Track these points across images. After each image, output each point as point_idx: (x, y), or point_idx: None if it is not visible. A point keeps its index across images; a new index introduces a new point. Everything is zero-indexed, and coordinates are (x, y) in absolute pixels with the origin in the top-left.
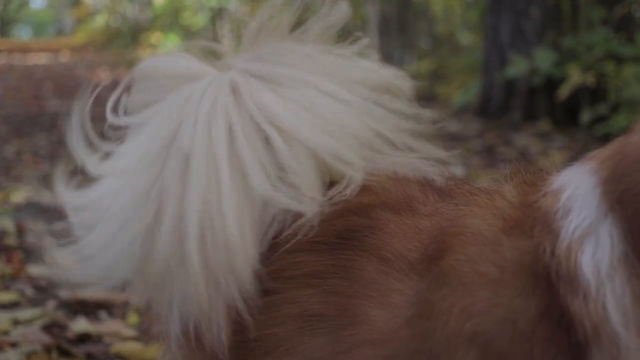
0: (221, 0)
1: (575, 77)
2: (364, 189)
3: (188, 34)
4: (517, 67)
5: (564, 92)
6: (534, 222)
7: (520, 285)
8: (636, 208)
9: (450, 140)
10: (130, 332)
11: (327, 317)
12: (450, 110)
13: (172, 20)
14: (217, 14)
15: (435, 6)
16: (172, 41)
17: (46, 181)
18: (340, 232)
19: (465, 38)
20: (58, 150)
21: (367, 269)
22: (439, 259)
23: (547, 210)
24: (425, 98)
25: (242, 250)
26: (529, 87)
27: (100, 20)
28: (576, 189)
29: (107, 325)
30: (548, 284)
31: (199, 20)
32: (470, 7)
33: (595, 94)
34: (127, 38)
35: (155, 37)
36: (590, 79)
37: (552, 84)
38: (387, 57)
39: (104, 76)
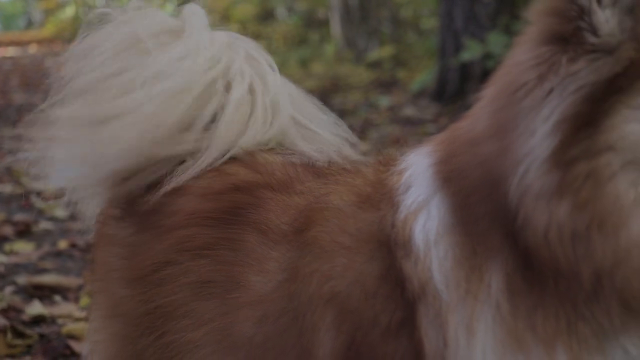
0: None
1: None
2: (252, 169)
3: None
4: (471, 52)
5: None
6: (381, 197)
7: (368, 252)
8: (461, 185)
9: (406, 124)
10: (82, 314)
11: (216, 283)
12: (408, 95)
13: None
14: (185, 4)
15: None
16: None
17: (9, 173)
18: (228, 209)
19: (428, 23)
20: (22, 142)
21: (249, 241)
22: (305, 230)
23: (392, 187)
24: (385, 83)
25: None
26: (483, 71)
27: (69, 12)
28: (415, 169)
29: (61, 308)
30: (389, 250)
31: (167, 10)
32: None
33: None
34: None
35: None
36: None
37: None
38: (350, 44)
39: None
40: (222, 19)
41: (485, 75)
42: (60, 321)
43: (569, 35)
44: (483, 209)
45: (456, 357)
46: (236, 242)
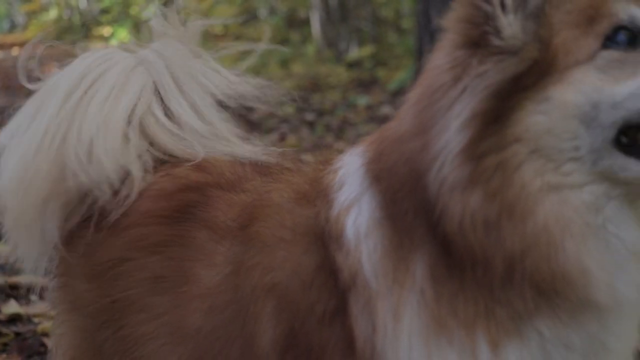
0: None
1: None
2: (203, 170)
3: (138, 25)
4: None
5: None
6: (318, 194)
7: (305, 245)
8: (389, 182)
9: (383, 123)
10: None
11: (168, 278)
12: (387, 94)
13: (122, 12)
14: (167, 4)
15: None
16: (122, 33)
17: None
18: (179, 207)
19: (408, 22)
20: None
21: (199, 237)
22: (249, 226)
23: (328, 184)
24: (364, 83)
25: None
26: None
27: (52, 14)
28: (349, 168)
29: (37, 307)
30: (323, 243)
31: (150, 10)
32: None
33: None
34: (78, 32)
35: (106, 29)
36: None
37: None
38: (330, 44)
39: (53, 71)
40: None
41: None
42: (36, 320)
43: (478, 40)
44: (408, 204)
45: (384, 342)
46: (187, 239)
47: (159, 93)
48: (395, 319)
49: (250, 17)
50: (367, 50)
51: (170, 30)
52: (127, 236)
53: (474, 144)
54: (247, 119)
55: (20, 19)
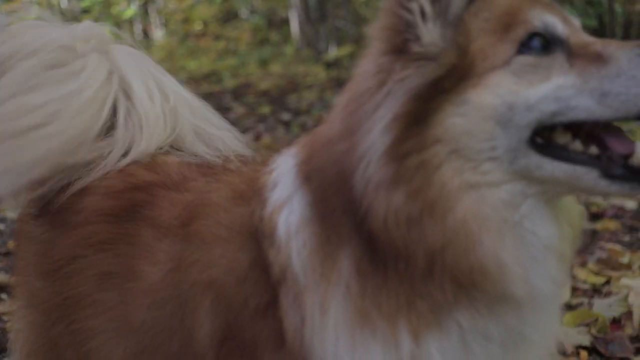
0: None
1: None
2: (151, 170)
3: (119, 24)
4: None
5: None
6: (253, 194)
7: (241, 242)
8: (318, 182)
9: None
10: None
11: (116, 274)
12: None
13: (103, 11)
14: (148, 3)
15: None
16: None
17: None
18: (127, 206)
19: None
20: None
21: (145, 235)
22: (189, 224)
23: (263, 184)
24: (342, 83)
25: None
26: None
27: (33, 13)
28: (282, 168)
29: (7, 306)
30: (257, 240)
31: (130, 10)
32: None
33: None
34: None
35: None
36: None
37: None
38: (310, 43)
39: None
40: (183, 20)
41: None
42: (5, 318)
43: (400, 46)
44: (336, 202)
45: (312, 334)
46: (133, 237)
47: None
48: (322, 312)
49: (230, 16)
50: (346, 49)
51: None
52: (77, 234)
53: (397, 145)
54: (224, 118)
55: (1, 18)
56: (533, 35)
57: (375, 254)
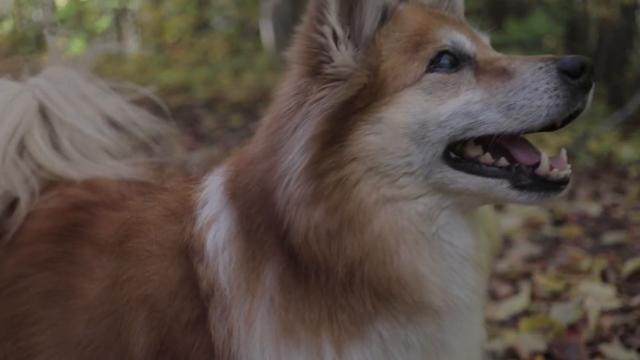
0: (123, 1)
1: None
2: (92, 189)
3: (93, 37)
4: None
5: None
6: (184, 212)
7: (172, 258)
8: (244, 201)
9: None
10: None
11: (58, 292)
12: None
13: (76, 24)
14: (120, 16)
15: None
16: (77, 45)
17: None
18: (68, 226)
19: None
20: None
21: (84, 253)
22: (125, 242)
23: (193, 202)
24: None
25: None
26: None
27: (7, 26)
28: (211, 186)
29: None
30: (187, 256)
31: (103, 22)
32: None
33: None
34: (32, 44)
35: (60, 41)
36: None
37: None
38: (283, 53)
39: None
40: (155, 32)
41: None
42: None
43: (315, 68)
44: (260, 219)
45: (239, 346)
46: (74, 255)
47: (46, 116)
48: (248, 325)
49: (202, 26)
50: None
51: (64, 56)
52: (21, 254)
53: (315, 163)
54: (195, 131)
55: None
56: (442, 53)
57: (298, 268)
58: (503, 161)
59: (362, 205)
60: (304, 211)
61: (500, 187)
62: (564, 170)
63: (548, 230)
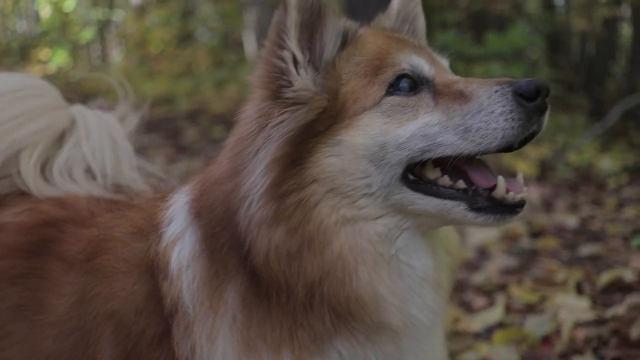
0: (106, 12)
1: None
2: (62, 206)
3: (76, 48)
4: None
5: None
6: (151, 229)
7: (138, 275)
8: (208, 220)
9: None
10: None
11: (27, 307)
12: None
13: (60, 35)
14: (105, 27)
15: None
16: (60, 56)
17: None
18: (38, 242)
19: None
20: None
21: (54, 269)
22: (93, 258)
23: (160, 219)
24: None
25: None
26: None
27: None
28: (177, 205)
29: None
30: (153, 273)
31: (87, 34)
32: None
33: None
34: (17, 55)
35: (44, 53)
36: None
37: None
38: None
39: None
40: (138, 43)
41: None
42: None
43: (276, 92)
44: (223, 238)
45: None
46: (43, 271)
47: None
48: (210, 342)
49: (186, 38)
50: None
51: None
52: None
53: (276, 185)
54: (177, 142)
55: None
56: (401, 76)
57: (260, 287)
58: (461, 183)
59: (322, 226)
60: (265, 232)
61: (457, 209)
62: (520, 193)
63: (525, 243)
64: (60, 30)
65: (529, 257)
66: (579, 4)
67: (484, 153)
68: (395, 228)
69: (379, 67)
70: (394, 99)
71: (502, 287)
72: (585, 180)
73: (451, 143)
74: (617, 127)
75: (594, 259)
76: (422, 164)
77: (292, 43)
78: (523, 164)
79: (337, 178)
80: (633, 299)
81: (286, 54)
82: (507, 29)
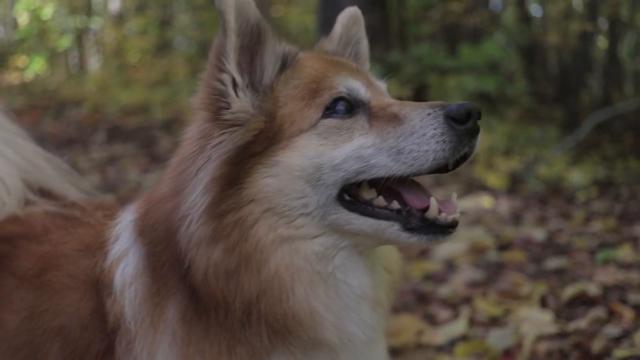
0: (85, 20)
1: (392, 91)
2: (18, 222)
3: (54, 55)
4: None
5: None
6: (98, 246)
7: (85, 291)
8: (151, 238)
9: None
10: None
11: None
12: None
13: (37, 43)
14: (82, 35)
15: (290, 24)
16: (38, 63)
17: None
18: None
19: None
20: None
21: (6, 285)
22: (43, 274)
23: (107, 236)
24: None
25: None
26: None
27: None
28: (123, 223)
29: None
30: (98, 290)
31: (65, 41)
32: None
33: None
34: None
35: (21, 60)
36: (406, 93)
37: None
38: None
39: None
40: (116, 52)
41: None
42: None
43: (216, 114)
44: (165, 256)
45: None
46: None
47: None
48: (150, 358)
49: (164, 46)
50: None
51: None
52: None
53: (215, 204)
54: (151, 152)
55: None
56: (338, 99)
57: (199, 304)
58: (395, 204)
59: (259, 245)
60: (204, 250)
61: (391, 229)
62: (452, 214)
63: (493, 255)
64: (38, 37)
65: (495, 270)
66: (555, 17)
67: (416, 174)
68: (333, 247)
69: (316, 90)
70: (330, 121)
71: (468, 300)
72: (555, 193)
73: (384, 164)
74: (591, 139)
75: (559, 272)
76: (358, 184)
77: (232, 66)
78: (493, 176)
79: (274, 198)
80: (596, 312)
81: (225, 77)
82: (482, 41)
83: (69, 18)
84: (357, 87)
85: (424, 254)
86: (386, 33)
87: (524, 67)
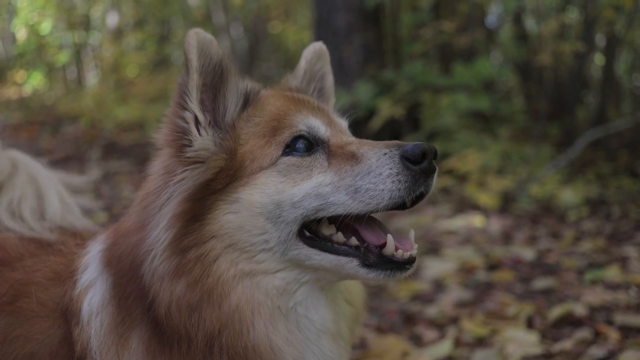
0: (83, 35)
1: (385, 109)
2: None
3: (52, 70)
4: (339, 101)
5: (376, 123)
6: (68, 275)
7: (54, 320)
8: (117, 269)
9: None
10: None
11: None
12: None
13: (36, 58)
14: (80, 50)
15: (287, 40)
16: (36, 78)
17: None
18: None
19: None
20: None
21: None
22: (15, 301)
23: (76, 266)
24: None
25: None
26: (351, 119)
27: None
28: (92, 252)
29: None
30: (67, 319)
31: (63, 56)
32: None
33: (416, 122)
34: None
35: (19, 75)
36: (399, 111)
37: (373, 115)
38: None
39: None
40: (114, 67)
41: (354, 123)
42: None
43: (179, 150)
44: (130, 288)
45: None
46: None
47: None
48: None
49: (161, 62)
50: None
51: None
52: None
53: (177, 240)
54: (145, 170)
55: None
56: (298, 137)
57: (163, 335)
58: (354, 240)
59: (220, 280)
60: (168, 285)
61: (350, 264)
62: (409, 250)
63: (482, 275)
64: (36, 52)
65: (484, 290)
66: (547, 36)
67: (373, 212)
68: (294, 282)
69: (276, 128)
70: (289, 159)
71: (455, 320)
72: (547, 212)
73: (342, 202)
74: (586, 157)
75: (547, 292)
76: (318, 220)
77: (194, 104)
78: (485, 195)
79: (235, 234)
80: (582, 333)
81: (188, 115)
82: (477, 59)
83: (67, 33)
84: (317, 125)
85: (413, 274)
86: (380, 51)
87: (519, 84)
